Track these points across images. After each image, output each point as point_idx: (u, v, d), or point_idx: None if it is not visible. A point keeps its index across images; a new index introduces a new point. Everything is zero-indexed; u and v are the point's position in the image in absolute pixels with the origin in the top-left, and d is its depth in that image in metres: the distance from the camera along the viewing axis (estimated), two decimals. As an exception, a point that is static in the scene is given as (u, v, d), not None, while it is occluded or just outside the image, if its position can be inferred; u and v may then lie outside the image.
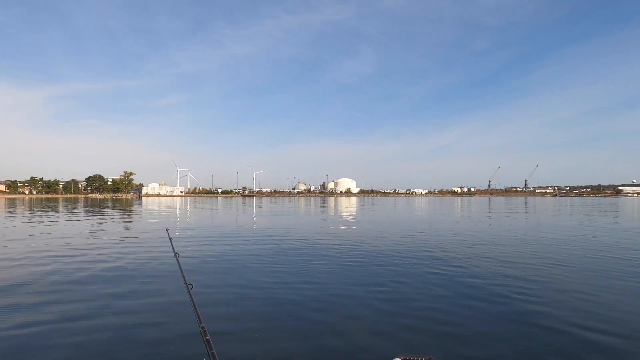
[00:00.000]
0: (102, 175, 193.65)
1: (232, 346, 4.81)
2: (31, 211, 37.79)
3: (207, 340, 1.98)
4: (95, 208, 46.09)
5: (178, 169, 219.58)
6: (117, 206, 53.06)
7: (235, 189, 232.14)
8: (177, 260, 3.72)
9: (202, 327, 2.13)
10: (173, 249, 4.14)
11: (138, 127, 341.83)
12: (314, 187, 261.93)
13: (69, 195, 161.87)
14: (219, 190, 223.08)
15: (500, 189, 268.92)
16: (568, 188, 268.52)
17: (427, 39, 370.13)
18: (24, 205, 56.63)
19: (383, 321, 5.76)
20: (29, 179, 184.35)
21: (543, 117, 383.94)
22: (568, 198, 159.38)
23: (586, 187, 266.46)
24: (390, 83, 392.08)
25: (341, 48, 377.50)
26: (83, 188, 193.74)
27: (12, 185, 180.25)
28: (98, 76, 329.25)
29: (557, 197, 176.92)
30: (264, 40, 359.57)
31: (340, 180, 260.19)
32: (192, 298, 2.66)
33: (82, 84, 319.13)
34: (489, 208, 49.48)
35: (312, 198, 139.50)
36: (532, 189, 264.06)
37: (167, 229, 5.66)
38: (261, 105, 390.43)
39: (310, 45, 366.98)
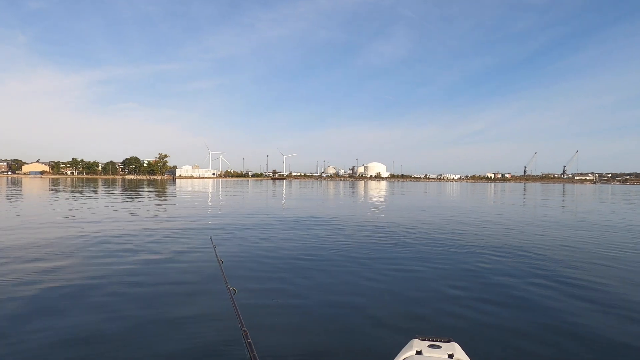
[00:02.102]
0: (138, 157, 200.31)
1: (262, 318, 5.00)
2: (77, 190, 39.29)
3: (249, 343, 1.98)
4: (134, 189, 47.53)
5: (210, 152, 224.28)
6: (154, 187, 54.49)
7: (266, 172, 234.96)
8: (221, 267, 3.86)
9: (244, 331, 2.15)
10: (217, 255, 4.34)
11: (173, 111, 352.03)
12: (343, 170, 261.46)
13: (107, 176, 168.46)
14: (250, 173, 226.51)
15: (537, 175, 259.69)
16: (610, 175, 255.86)
17: (464, 20, 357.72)
18: (66, 184, 59.04)
19: (411, 301, 5.74)
20: (70, 160, 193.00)
21: (586, 101, 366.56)
22: (609, 185, 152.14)
23: (630, 174, 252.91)
24: (425, 66, 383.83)
25: (375, 30, 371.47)
26: (120, 169, 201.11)
27: (55, 166, 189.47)
28: (136, 61, 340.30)
29: (598, 185, 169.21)
30: (297, 24, 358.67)
31: (370, 164, 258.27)
32: (234, 303, 2.71)
33: (122, 68, 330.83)
34: (524, 194, 47.50)
35: (341, 182, 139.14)
36: (570, 175, 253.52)
37: (210, 237, 5.83)
38: (293, 89, 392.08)
39: (344, 28, 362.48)
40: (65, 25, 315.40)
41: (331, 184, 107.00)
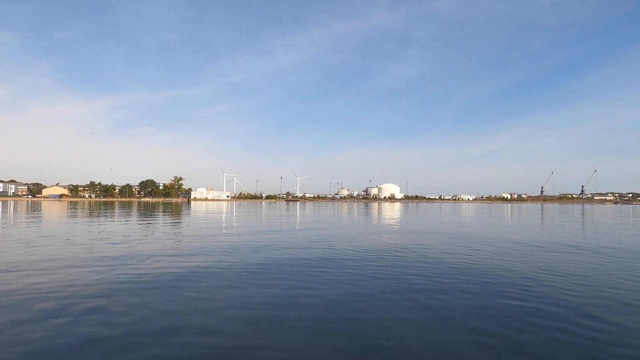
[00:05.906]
0: (154, 180, 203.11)
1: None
2: (94, 214, 39.86)
3: None
4: (151, 212, 47.93)
5: (224, 174, 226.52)
6: (169, 210, 54.84)
7: (279, 194, 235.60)
8: None
9: None
10: None
11: (189, 135, 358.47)
12: (356, 192, 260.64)
13: (123, 199, 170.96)
14: (264, 195, 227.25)
15: (554, 196, 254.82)
16: (630, 195, 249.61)
17: (478, 41, 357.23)
18: (84, 207, 59.94)
19: (421, 332, 5.71)
20: (88, 183, 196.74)
21: (604, 120, 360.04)
22: (630, 206, 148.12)
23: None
24: (439, 87, 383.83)
25: (389, 52, 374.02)
26: (137, 192, 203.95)
27: (74, 189, 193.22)
28: (155, 87, 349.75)
29: (619, 205, 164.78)
30: (311, 48, 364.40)
31: (383, 185, 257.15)
32: None
33: (140, 94, 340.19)
34: (542, 216, 46.02)
35: (355, 204, 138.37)
36: (589, 195, 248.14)
37: None
38: (307, 111, 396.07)
39: (358, 51, 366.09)
40: (88, 53, 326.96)
41: (345, 205, 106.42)
